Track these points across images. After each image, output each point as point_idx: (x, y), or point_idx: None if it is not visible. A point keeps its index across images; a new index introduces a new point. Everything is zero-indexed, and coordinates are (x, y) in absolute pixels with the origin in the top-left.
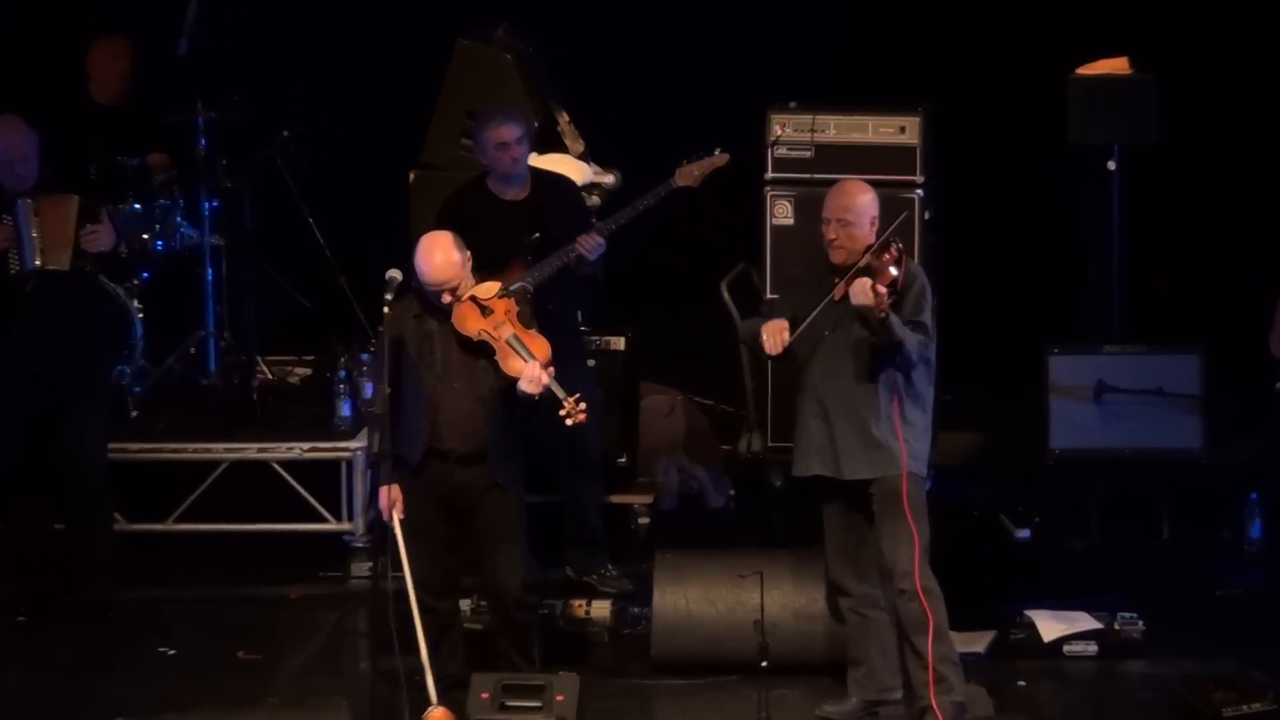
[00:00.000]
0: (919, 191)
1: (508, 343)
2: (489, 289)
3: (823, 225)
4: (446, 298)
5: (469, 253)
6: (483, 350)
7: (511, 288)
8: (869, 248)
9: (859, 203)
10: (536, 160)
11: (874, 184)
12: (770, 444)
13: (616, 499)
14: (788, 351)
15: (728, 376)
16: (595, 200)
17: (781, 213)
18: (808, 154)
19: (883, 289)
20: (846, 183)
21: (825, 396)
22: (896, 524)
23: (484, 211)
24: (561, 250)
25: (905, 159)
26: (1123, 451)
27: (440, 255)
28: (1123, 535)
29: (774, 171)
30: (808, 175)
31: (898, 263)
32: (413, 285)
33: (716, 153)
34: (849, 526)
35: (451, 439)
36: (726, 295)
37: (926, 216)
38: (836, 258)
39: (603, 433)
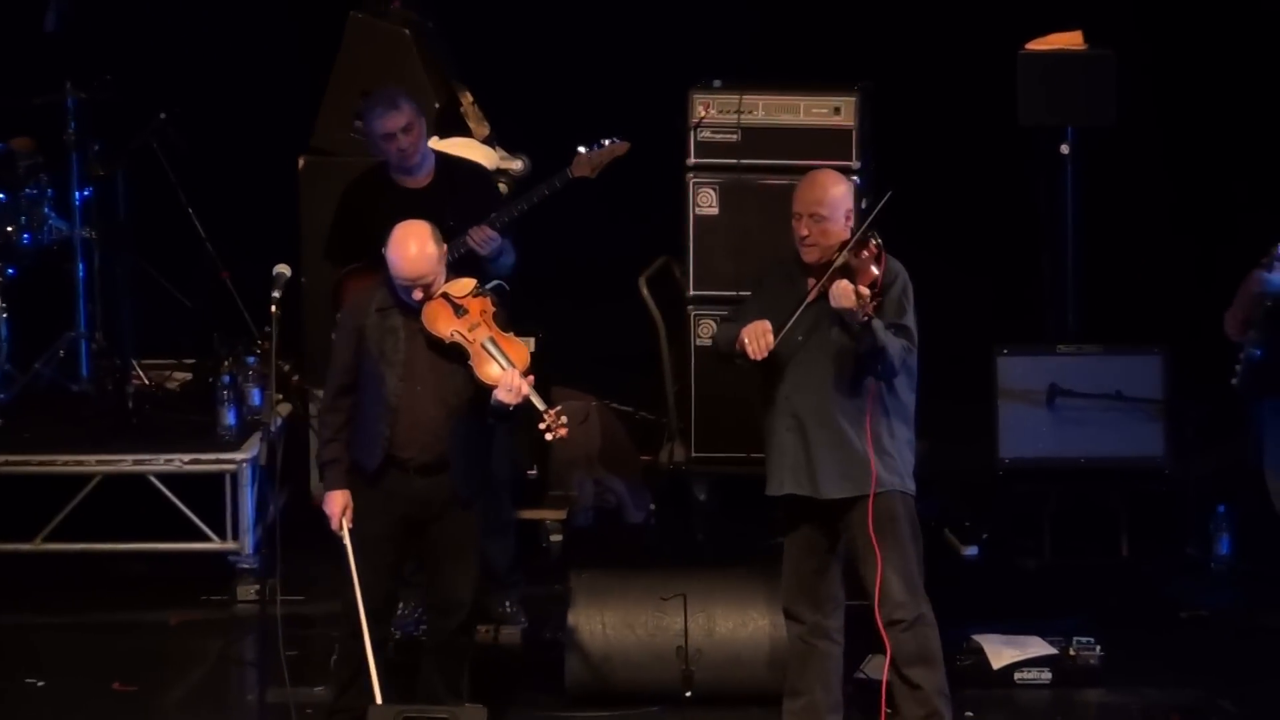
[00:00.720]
0: (855, 179)
1: (483, 347)
2: (463, 286)
3: (793, 221)
4: (418, 294)
5: (445, 246)
6: (454, 353)
7: (488, 285)
8: (845, 244)
9: (833, 195)
10: (436, 144)
11: (808, 171)
12: (695, 454)
13: (527, 515)
14: (770, 357)
15: (647, 380)
16: (502, 188)
17: (705, 201)
18: (734, 137)
19: (865, 291)
20: (819, 174)
21: (800, 409)
22: (886, 547)
23: (383, 200)
24: (451, 244)
25: (840, 142)
26: (1078, 461)
27: (415, 247)
28: (1079, 552)
29: (697, 156)
30: (734, 161)
31: (878, 260)
32: (381, 276)
33: (614, 141)
34: (812, 550)
35: (412, 446)
36: (645, 291)
37: (864, 205)
38: (810, 256)
39: (514, 445)
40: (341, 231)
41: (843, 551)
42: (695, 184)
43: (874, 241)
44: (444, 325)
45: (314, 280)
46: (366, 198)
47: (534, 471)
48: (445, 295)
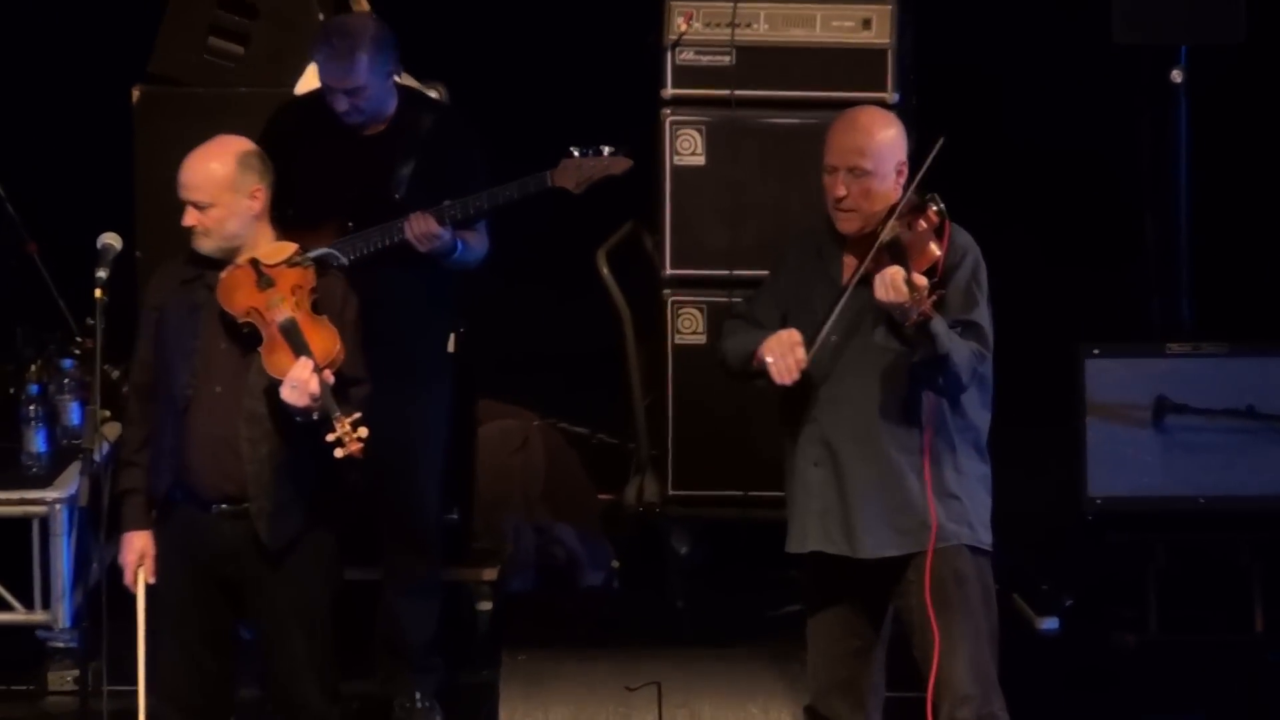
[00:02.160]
0: None
1: (280, 328)
2: (278, 251)
3: (825, 176)
4: (189, 218)
5: (261, 188)
6: (253, 339)
7: (311, 254)
8: (893, 209)
9: (880, 141)
10: (306, 80)
11: (828, 105)
12: (672, 491)
13: (443, 576)
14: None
15: (608, 391)
16: None
17: (687, 148)
18: (725, 60)
19: (921, 279)
20: (859, 112)
21: (833, 435)
22: (949, 621)
23: (319, 140)
24: (385, 226)
25: (871, 68)
26: (1195, 501)
27: (204, 151)
28: (1195, 626)
29: (675, 87)
30: (726, 92)
31: (939, 233)
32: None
33: (614, 153)
34: (850, 627)
35: (206, 473)
36: (605, 270)
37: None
38: (847, 226)
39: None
40: None
41: (889, 627)
42: (673, 124)
43: (933, 208)
44: (241, 299)
45: (154, 255)
46: (296, 133)
47: (454, 516)
48: (254, 262)
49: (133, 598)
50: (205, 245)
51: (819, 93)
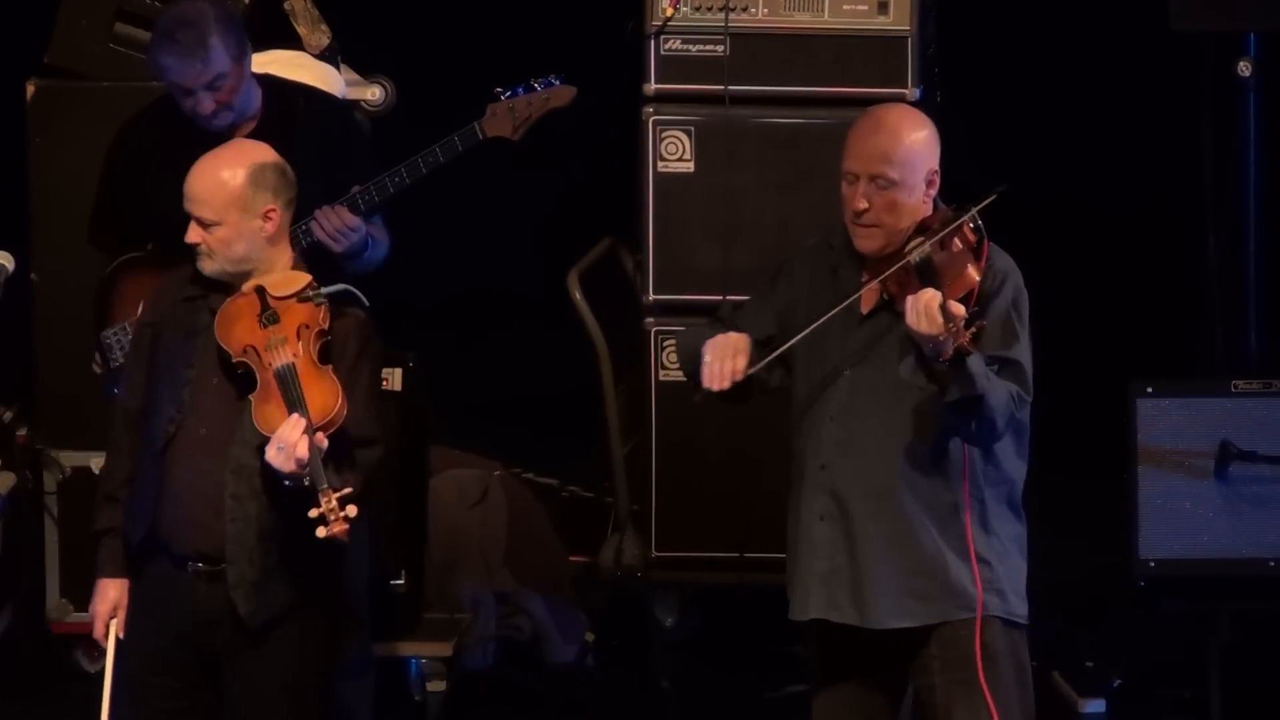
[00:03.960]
0: None
1: (276, 375)
2: (290, 281)
3: (844, 185)
4: (192, 234)
5: (276, 208)
6: (248, 381)
7: (326, 290)
8: (924, 226)
9: (908, 146)
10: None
11: (838, 103)
12: (656, 553)
13: (387, 650)
14: (743, 390)
15: (581, 437)
16: None
17: (673, 152)
18: (718, 50)
19: (959, 308)
20: (886, 111)
21: (844, 485)
22: (975, 705)
23: (180, 148)
24: (293, 228)
25: (889, 59)
26: (1266, 564)
27: (216, 157)
28: (1266, 711)
29: (661, 82)
30: (719, 88)
31: (977, 254)
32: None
33: (549, 83)
34: (863, 710)
35: (179, 526)
36: (578, 295)
37: None
38: (867, 244)
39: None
40: (112, 198)
41: (909, 709)
42: (657, 125)
43: (970, 225)
44: (239, 335)
45: (51, 277)
46: (151, 147)
47: (401, 582)
48: (260, 290)
49: (73, 678)
50: (208, 267)
51: (827, 88)
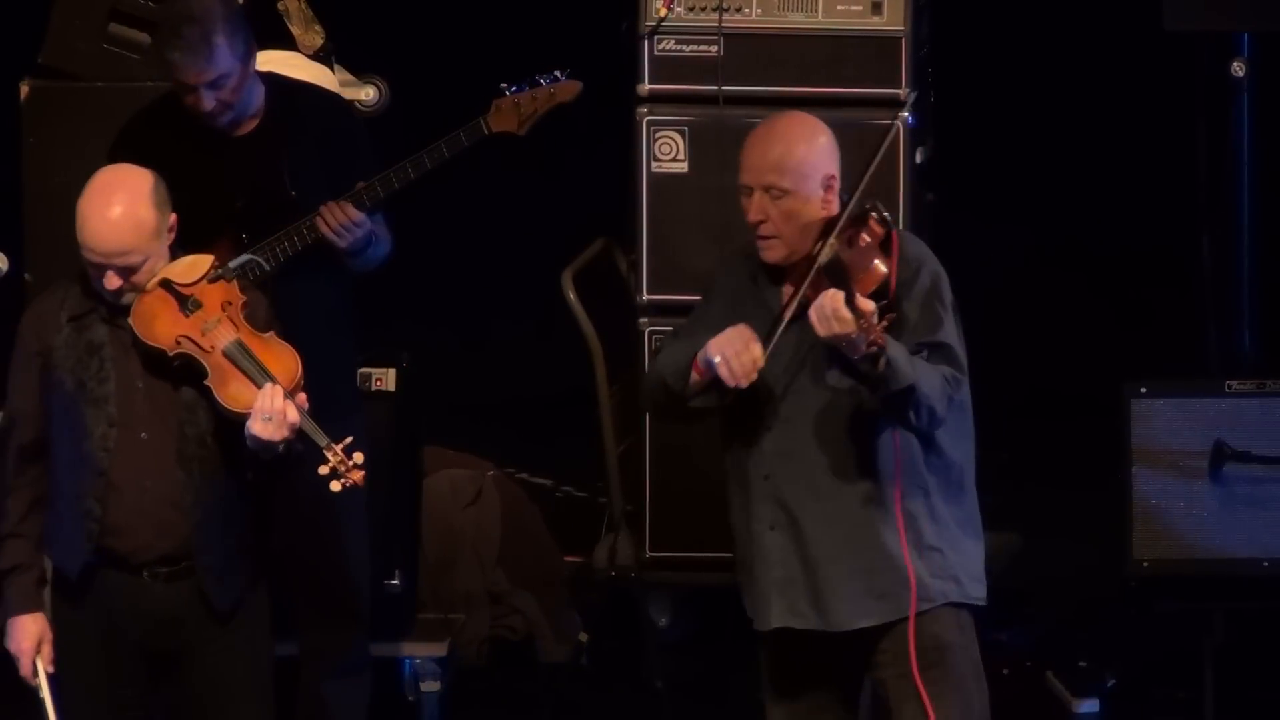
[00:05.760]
0: (907, 115)
1: (226, 354)
2: (192, 267)
3: (741, 198)
4: (113, 281)
5: (174, 215)
6: (186, 372)
7: (232, 264)
8: (829, 225)
9: (801, 155)
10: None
11: (832, 103)
12: (650, 553)
13: (383, 651)
14: (740, 411)
15: (575, 437)
16: None
17: (667, 152)
18: (712, 50)
19: (866, 303)
20: (777, 120)
21: (788, 493)
22: (940, 695)
23: (186, 149)
24: (291, 228)
25: (882, 59)
26: (1260, 565)
27: (114, 205)
28: (1260, 711)
29: (654, 82)
30: (713, 89)
31: (885, 246)
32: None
33: (556, 79)
34: (824, 710)
35: (138, 532)
36: (572, 296)
37: (920, 159)
38: (771, 255)
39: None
40: None
41: (868, 707)
42: (651, 125)
43: (874, 216)
44: (165, 329)
45: (45, 277)
46: (152, 147)
47: (396, 582)
48: (166, 283)
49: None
50: (128, 299)
51: (821, 89)
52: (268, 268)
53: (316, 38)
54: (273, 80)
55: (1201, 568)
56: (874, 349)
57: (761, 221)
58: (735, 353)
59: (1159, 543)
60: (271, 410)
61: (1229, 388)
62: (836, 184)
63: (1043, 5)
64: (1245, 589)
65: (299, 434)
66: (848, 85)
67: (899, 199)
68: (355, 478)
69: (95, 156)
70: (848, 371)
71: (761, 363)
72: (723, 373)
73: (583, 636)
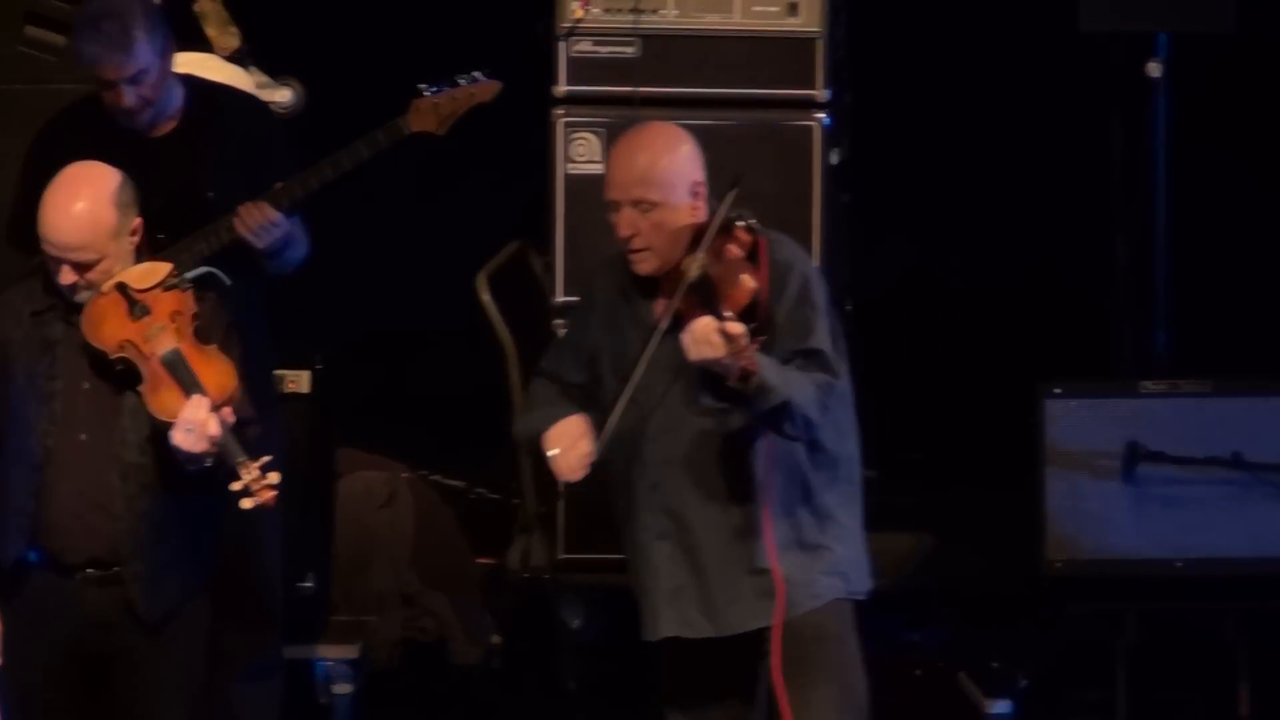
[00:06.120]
0: (822, 116)
1: (163, 362)
2: (149, 273)
3: (610, 213)
4: (68, 276)
5: (139, 219)
6: (128, 377)
7: (189, 274)
8: (698, 235)
9: (665, 164)
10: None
11: (748, 104)
12: (564, 554)
13: (295, 653)
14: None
15: (488, 439)
16: None
17: (582, 154)
18: (629, 51)
19: (736, 327)
20: (638, 133)
21: (676, 502)
22: (805, 690)
23: (103, 150)
24: (208, 229)
25: (798, 60)
26: (1172, 565)
27: (77, 200)
28: (1172, 711)
29: (570, 83)
30: (628, 90)
31: (752, 256)
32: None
33: (475, 79)
34: (725, 713)
35: (72, 534)
36: (486, 297)
37: (835, 160)
38: (644, 267)
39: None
40: (32, 200)
41: (763, 704)
42: (567, 126)
43: (739, 226)
44: (112, 332)
45: None
46: (72, 147)
47: (310, 584)
48: (121, 286)
49: None
50: (83, 298)
51: (738, 90)
52: (228, 282)
53: (232, 40)
54: (190, 82)
55: (1114, 568)
56: (745, 374)
57: (633, 235)
58: (565, 449)
59: (1072, 543)
60: (194, 421)
61: (1143, 388)
62: (703, 190)
63: (959, 6)
64: (1158, 589)
65: (219, 447)
66: (765, 86)
67: (813, 200)
68: (266, 498)
69: (13, 158)
70: (720, 394)
71: (592, 459)
72: (555, 471)
73: (495, 638)
